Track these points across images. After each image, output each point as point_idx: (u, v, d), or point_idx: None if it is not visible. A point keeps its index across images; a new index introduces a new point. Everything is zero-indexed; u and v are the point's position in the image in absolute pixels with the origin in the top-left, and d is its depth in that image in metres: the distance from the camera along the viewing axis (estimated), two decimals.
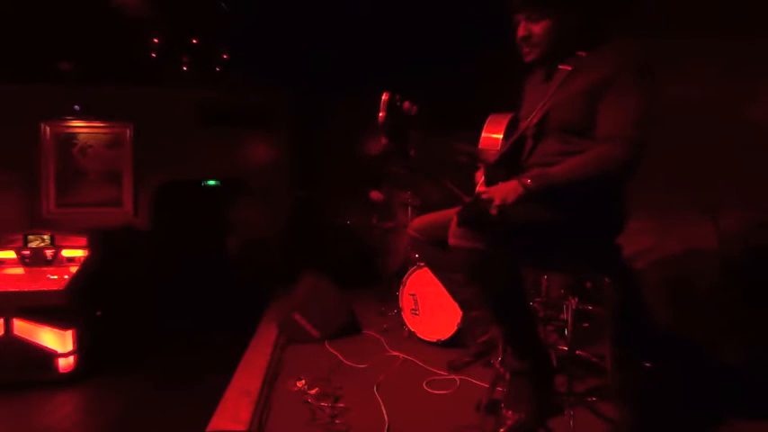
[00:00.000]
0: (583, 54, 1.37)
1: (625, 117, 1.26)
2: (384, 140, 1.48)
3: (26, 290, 2.36)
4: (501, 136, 1.58)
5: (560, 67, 1.40)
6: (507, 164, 1.48)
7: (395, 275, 3.21)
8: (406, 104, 1.49)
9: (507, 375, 1.39)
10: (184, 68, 4.10)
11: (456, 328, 2.42)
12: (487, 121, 1.64)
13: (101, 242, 2.79)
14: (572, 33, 1.39)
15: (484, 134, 1.62)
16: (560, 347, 1.96)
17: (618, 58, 1.31)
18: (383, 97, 1.43)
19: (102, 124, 4.92)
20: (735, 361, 2.00)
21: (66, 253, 2.67)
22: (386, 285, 3.50)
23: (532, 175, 1.27)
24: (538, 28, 1.39)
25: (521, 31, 1.42)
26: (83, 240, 2.71)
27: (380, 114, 1.43)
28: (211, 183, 4.92)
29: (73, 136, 4.88)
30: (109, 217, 4.82)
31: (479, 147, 1.61)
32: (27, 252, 2.63)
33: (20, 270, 2.60)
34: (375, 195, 3.43)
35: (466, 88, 3.90)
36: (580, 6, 1.40)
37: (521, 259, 1.28)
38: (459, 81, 4.02)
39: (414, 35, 3.60)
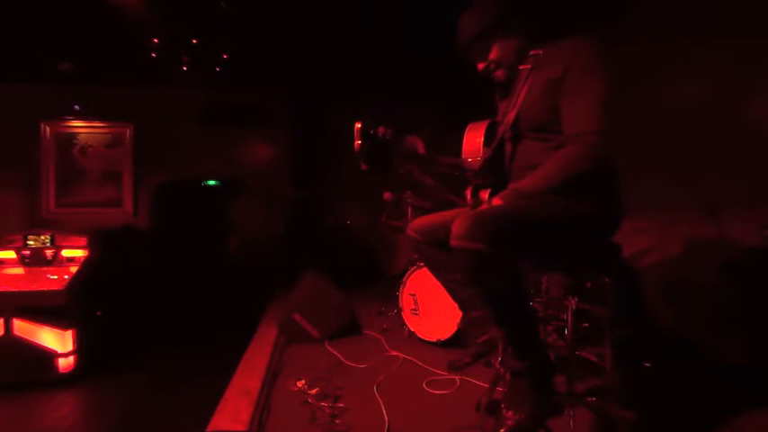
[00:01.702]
0: (539, 52, 1.40)
1: (584, 111, 1.28)
2: (363, 166, 1.53)
3: (26, 290, 2.36)
4: (481, 140, 1.60)
5: (520, 67, 1.44)
6: (492, 170, 1.52)
7: (399, 275, 3.21)
8: (381, 130, 1.55)
9: (507, 376, 1.39)
10: (184, 68, 4.10)
11: (456, 328, 2.42)
12: (467, 130, 1.67)
13: (101, 242, 2.79)
14: (525, 40, 1.44)
15: (465, 142, 1.64)
16: (560, 347, 1.96)
17: (569, 51, 1.34)
18: (356, 125, 1.50)
19: (102, 124, 4.92)
20: (735, 361, 2.00)
21: (66, 253, 2.67)
22: (386, 285, 3.50)
23: (504, 196, 1.32)
24: (492, 55, 1.46)
25: (480, 67, 1.50)
26: (83, 240, 2.71)
27: (356, 143, 1.49)
28: (211, 183, 4.92)
29: (73, 136, 4.88)
30: (109, 217, 4.82)
31: (462, 156, 1.64)
32: (27, 252, 2.63)
33: (20, 270, 2.60)
34: (386, 196, 3.44)
35: (466, 88, 3.90)
36: (518, 18, 1.44)
37: (521, 260, 1.28)
38: (460, 80, 4.01)
39: (413, 35, 3.60)
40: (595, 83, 1.29)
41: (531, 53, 1.42)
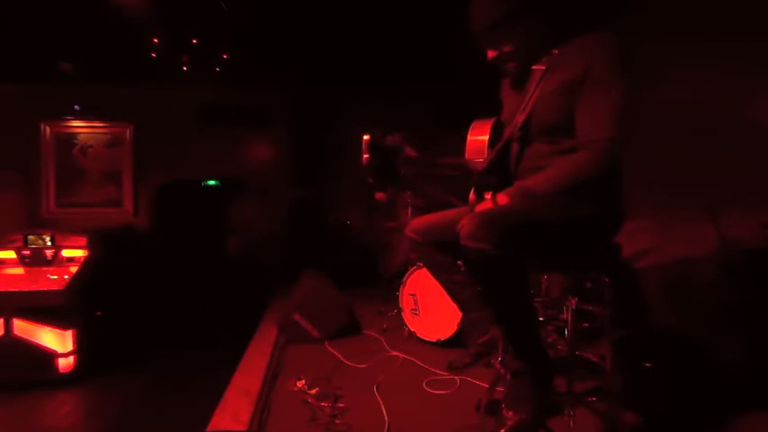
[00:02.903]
0: (555, 51, 1.36)
1: (599, 118, 1.26)
2: (370, 180, 1.49)
3: (26, 290, 2.36)
4: (486, 140, 1.58)
5: (534, 67, 1.39)
6: (496, 170, 1.48)
7: (396, 275, 3.21)
8: (389, 139, 1.51)
9: (508, 376, 1.39)
10: (184, 68, 4.10)
11: (456, 328, 2.42)
12: (471, 127, 1.63)
13: (101, 242, 2.79)
14: (541, 35, 1.39)
15: (470, 141, 1.61)
16: (560, 347, 1.96)
17: (588, 52, 1.29)
18: (365, 138, 1.45)
19: (102, 124, 4.92)
20: (735, 361, 2.00)
21: (66, 253, 2.67)
22: (386, 285, 3.50)
23: (509, 193, 1.29)
24: (506, 47, 1.40)
25: (490, 56, 1.43)
26: (83, 240, 2.72)
27: (364, 156, 1.46)
28: (211, 183, 4.93)
29: (73, 136, 4.89)
30: (109, 217, 4.83)
31: (466, 156, 1.61)
32: (27, 252, 2.63)
33: (20, 270, 2.60)
34: (379, 196, 3.43)
35: (464, 88, 3.91)
36: (535, 12, 1.38)
37: (525, 260, 1.28)
38: (459, 81, 4.02)
39: (413, 35, 3.60)
40: (614, 88, 1.26)
41: (545, 52, 1.38)
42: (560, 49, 1.36)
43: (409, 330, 2.65)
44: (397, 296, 2.74)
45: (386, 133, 1.50)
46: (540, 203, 1.28)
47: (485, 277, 1.23)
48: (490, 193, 1.40)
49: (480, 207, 1.33)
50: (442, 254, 1.56)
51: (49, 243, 2.67)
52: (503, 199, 1.30)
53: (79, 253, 2.68)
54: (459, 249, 1.23)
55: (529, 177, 1.34)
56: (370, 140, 1.45)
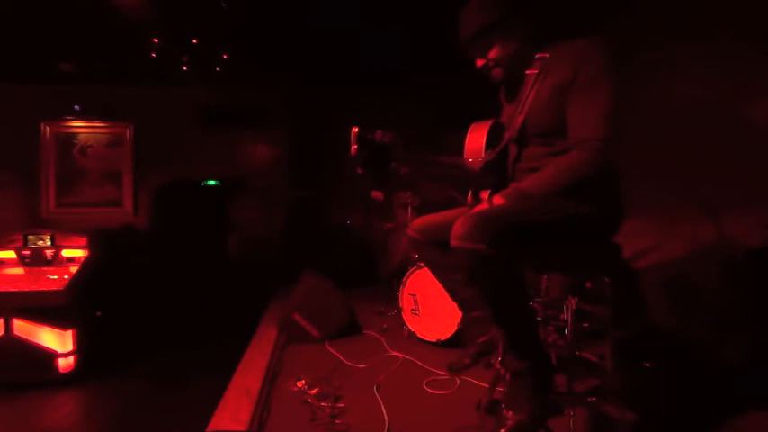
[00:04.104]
0: (546, 55, 1.39)
1: (589, 117, 1.28)
2: (359, 171, 1.53)
3: (26, 290, 2.36)
4: (483, 141, 1.59)
5: (527, 72, 1.43)
6: (495, 172, 1.51)
7: (394, 275, 3.21)
8: (378, 134, 1.55)
9: (507, 376, 1.39)
10: (184, 68, 4.10)
11: (456, 328, 2.42)
12: (470, 130, 1.65)
13: (101, 242, 2.79)
14: (527, 41, 1.43)
15: (467, 142, 1.63)
16: (560, 347, 1.96)
17: (576, 55, 1.32)
18: (353, 130, 1.51)
19: (102, 124, 4.92)
20: (735, 361, 2.00)
21: (66, 253, 2.67)
22: (386, 285, 3.50)
23: (505, 195, 1.32)
24: (492, 53, 1.43)
25: (478, 64, 1.47)
26: (83, 240, 2.71)
27: (352, 147, 1.50)
28: (211, 183, 4.92)
29: (73, 136, 4.88)
30: (109, 217, 4.83)
31: (465, 156, 1.63)
32: (27, 252, 2.63)
33: (20, 270, 2.60)
34: (376, 195, 3.44)
35: (465, 89, 3.90)
36: (520, 19, 1.41)
37: (522, 260, 1.28)
38: (460, 81, 4.02)
39: (413, 35, 3.60)
40: (603, 89, 1.28)
41: (536, 56, 1.40)
42: (551, 52, 1.39)
43: (409, 330, 2.65)
44: (397, 296, 2.74)
45: (375, 127, 1.54)
46: (537, 204, 1.29)
47: (481, 278, 1.24)
48: (487, 194, 1.41)
49: (477, 209, 1.34)
50: (443, 253, 1.56)
51: (49, 243, 2.67)
52: (498, 201, 1.32)
53: (79, 253, 2.68)
54: (451, 251, 1.23)
55: (525, 178, 1.36)
56: (359, 132, 1.49)
